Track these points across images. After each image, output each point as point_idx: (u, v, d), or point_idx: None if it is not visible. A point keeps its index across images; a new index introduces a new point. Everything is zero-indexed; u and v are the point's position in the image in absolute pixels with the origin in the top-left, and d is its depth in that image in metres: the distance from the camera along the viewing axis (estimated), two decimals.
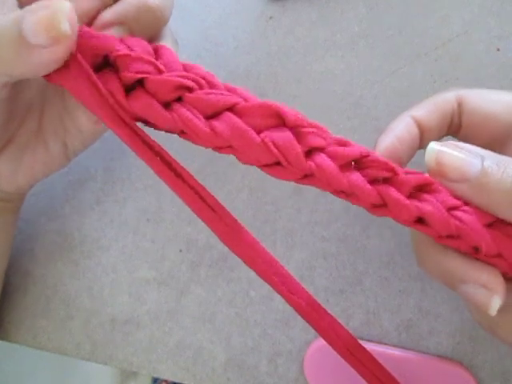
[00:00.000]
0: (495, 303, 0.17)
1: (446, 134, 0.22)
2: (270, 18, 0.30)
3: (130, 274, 0.29)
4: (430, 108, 0.21)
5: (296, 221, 0.28)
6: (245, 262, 0.19)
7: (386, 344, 0.27)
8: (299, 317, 0.24)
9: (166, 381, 0.40)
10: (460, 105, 0.21)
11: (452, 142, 0.18)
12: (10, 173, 0.24)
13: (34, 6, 0.17)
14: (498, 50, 0.27)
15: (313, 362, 0.26)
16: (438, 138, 0.21)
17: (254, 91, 0.29)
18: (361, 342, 0.23)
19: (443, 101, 0.21)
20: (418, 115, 0.21)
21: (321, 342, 0.26)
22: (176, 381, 0.28)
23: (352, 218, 0.28)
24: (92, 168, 0.31)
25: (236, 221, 0.19)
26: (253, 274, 0.28)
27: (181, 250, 0.29)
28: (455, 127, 0.21)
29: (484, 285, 0.17)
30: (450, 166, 0.17)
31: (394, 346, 0.27)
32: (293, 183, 0.28)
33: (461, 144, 0.18)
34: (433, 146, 0.18)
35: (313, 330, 0.27)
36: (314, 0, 0.30)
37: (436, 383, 0.25)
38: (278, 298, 0.28)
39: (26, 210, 0.30)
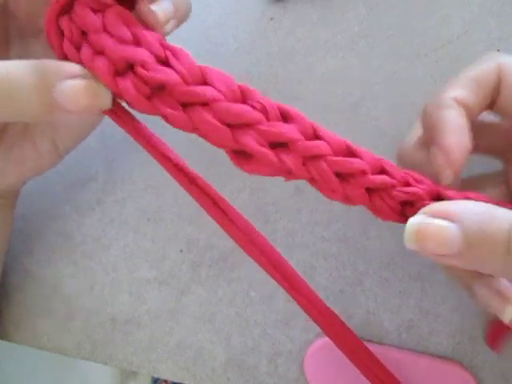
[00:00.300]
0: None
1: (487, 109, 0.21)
2: (271, 18, 0.30)
3: (130, 273, 0.29)
4: (472, 87, 0.19)
5: (296, 221, 0.28)
6: (259, 264, 0.19)
7: (386, 344, 0.27)
8: (299, 317, 0.25)
9: (165, 381, 0.40)
10: (500, 79, 0.19)
11: (428, 208, 0.17)
12: (1, 169, 0.24)
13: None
14: (498, 50, 0.27)
15: (313, 362, 0.26)
16: (480, 114, 0.20)
17: None
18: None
19: (485, 76, 0.19)
20: (462, 97, 0.19)
21: (321, 342, 0.26)
22: (176, 381, 0.28)
23: (352, 218, 0.28)
24: (92, 168, 0.31)
25: (248, 224, 0.19)
26: (253, 274, 0.28)
27: (181, 250, 0.29)
28: (493, 101, 0.20)
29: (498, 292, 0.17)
30: (431, 246, 0.16)
31: (395, 346, 0.27)
32: (293, 183, 0.28)
33: (435, 208, 0.16)
34: (411, 225, 0.17)
35: (313, 330, 0.27)
36: (314, 1, 0.30)
37: (436, 383, 0.25)
38: (278, 298, 0.28)
39: (26, 210, 0.30)
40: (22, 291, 0.30)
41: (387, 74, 0.28)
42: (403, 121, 0.27)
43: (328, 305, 0.27)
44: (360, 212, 0.27)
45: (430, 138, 0.20)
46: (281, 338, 0.28)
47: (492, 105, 0.20)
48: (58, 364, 0.36)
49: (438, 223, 0.16)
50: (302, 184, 0.28)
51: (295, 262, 0.28)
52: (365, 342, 0.25)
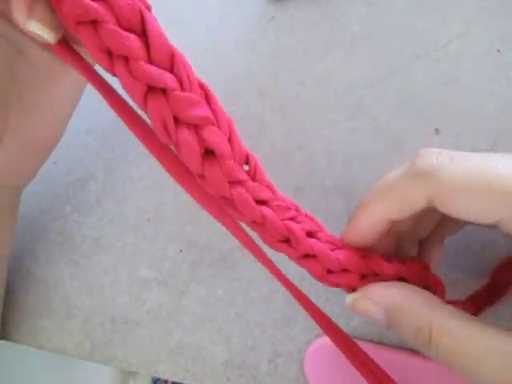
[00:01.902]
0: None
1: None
2: (272, 18, 0.30)
3: (130, 273, 0.29)
4: (399, 207, 0.19)
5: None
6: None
7: (386, 344, 0.27)
8: (299, 317, 0.25)
9: (166, 381, 0.40)
10: (432, 203, 0.18)
11: (365, 292, 0.20)
12: (13, 161, 0.24)
13: None
14: (498, 50, 0.27)
15: (313, 362, 0.26)
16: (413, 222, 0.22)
17: (254, 91, 0.30)
18: (361, 342, 0.23)
19: (413, 201, 0.18)
20: (386, 215, 0.19)
21: (321, 342, 0.26)
22: (176, 381, 0.28)
23: None
24: (92, 168, 0.31)
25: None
26: (253, 274, 0.28)
27: (181, 250, 0.29)
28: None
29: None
30: (365, 315, 0.20)
31: (394, 346, 0.26)
32: (294, 183, 0.28)
33: (369, 291, 0.20)
34: (350, 297, 0.20)
35: (313, 330, 0.27)
36: (315, 0, 0.30)
37: (437, 383, 0.25)
38: (278, 298, 0.28)
39: (26, 210, 0.30)
40: (22, 291, 0.31)
41: (387, 73, 0.28)
42: (403, 121, 0.27)
43: (328, 305, 0.27)
44: None
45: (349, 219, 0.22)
46: (281, 338, 0.27)
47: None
48: (58, 364, 0.36)
49: (367, 303, 0.20)
50: (302, 184, 0.28)
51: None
52: (364, 342, 0.25)
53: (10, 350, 0.34)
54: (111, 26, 0.16)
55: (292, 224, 0.19)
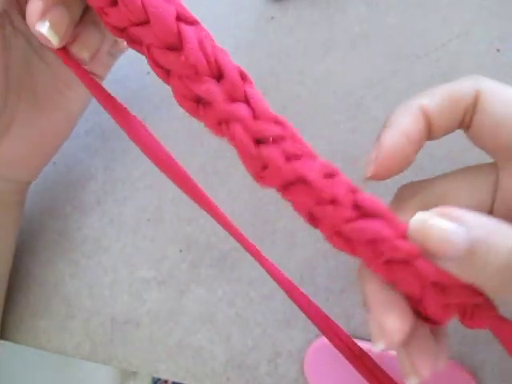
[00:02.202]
0: (379, 346, 0.17)
1: (456, 129, 0.19)
2: (272, 18, 0.30)
3: (130, 273, 0.29)
4: (444, 101, 0.18)
5: (296, 221, 0.28)
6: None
7: None
8: (299, 317, 0.25)
9: (166, 381, 0.40)
10: (475, 101, 0.18)
11: (439, 209, 0.16)
12: (21, 152, 0.25)
13: None
14: (498, 50, 0.27)
15: (313, 362, 0.26)
16: (448, 133, 0.19)
17: None
18: (361, 342, 0.23)
19: (459, 94, 0.18)
20: (429, 108, 0.18)
21: (321, 341, 0.26)
22: (176, 381, 0.28)
23: None
24: (92, 168, 0.31)
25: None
26: (253, 274, 0.28)
27: (181, 250, 0.29)
28: (467, 123, 0.19)
29: (382, 327, 0.16)
30: (434, 242, 0.15)
31: None
32: None
33: (447, 210, 0.15)
34: (418, 218, 0.16)
35: (313, 330, 0.27)
36: (315, 1, 0.30)
37: (436, 383, 0.25)
38: (278, 298, 0.28)
39: (26, 210, 0.30)
40: (22, 291, 0.31)
41: (387, 73, 0.28)
42: None
43: (328, 305, 0.27)
44: None
45: (377, 137, 0.19)
46: (281, 338, 0.27)
47: (467, 126, 0.19)
48: (58, 364, 0.37)
49: (445, 223, 0.15)
50: None
51: (295, 261, 0.28)
52: (365, 342, 0.25)
53: (10, 350, 0.34)
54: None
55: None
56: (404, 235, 0.16)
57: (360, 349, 0.19)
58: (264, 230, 0.28)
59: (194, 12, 0.25)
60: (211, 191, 0.29)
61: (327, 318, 0.20)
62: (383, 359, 0.20)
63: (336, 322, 0.20)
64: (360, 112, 0.28)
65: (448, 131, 0.19)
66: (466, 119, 0.19)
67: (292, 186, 0.17)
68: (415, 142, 0.18)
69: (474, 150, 0.19)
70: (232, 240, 0.20)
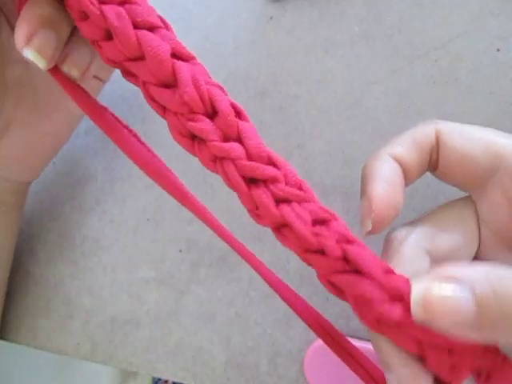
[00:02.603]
0: None
1: (426, 170, 0.20)
2: (271, 18, 0.30)
3: (129, 274, 0.29)
4: (409, 145, 0.19)
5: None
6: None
7: None
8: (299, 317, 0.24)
9: (166, 381, 0.40)
10: (438, 141, 0.19)
11: (436, 273, 0.15)
12: (20, 153, 0.25)
13: None
14: (498, 50, 0.27)
15: (313, 362, 0.26)
16: (420, 176, 0.20)
17: (254, 91, 0.30)
18: (361, 342, 0.23)
19: (422, 136, 0.19)
20: (398, 153, 0.19)
21: (321, 341, 0.26)
22: (176, 381, 0.28)
23: (352, 218, 0.28)
24: (92, 168, 0.31)
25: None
26: (253, 273, 0.28)
27: (181, 250, 0.29)
28: (434, 163, 0.19)
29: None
30: (441, 317, 0.14)
31: None
32: None
33: (444, 273, 0.15)
34: (418, 292, 0.15)
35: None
36: (314, 0, 0.30)
37: None
38: (278, 298, 0.28)
39: (26, 210, 0.30)
40: (22, 291, 0.31)
41: (387, 73, 0.28)
42: (403, 121, 0.27)
43: (328, 305, 0.27)
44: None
45: (361, 191, 0.19)
46: (281, 338, 0.27)
47: (434, 167, 0.20)
48: (58, 364, 0.36)
49: (447, 289, 0.14)
50: None
51: (295, 262, 0.28)
52: (365, 342, 0.25)
53: (10, 350, 0.34)
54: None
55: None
56: (395, 296, 0.15)
57: (354, 347, 0.19)
58: (264, 231, 0.28)
59: (194, 13, 0.25)
60: (211, 191, 0.29)
61: (319, 315, 0.20)
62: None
63: (329, 321, 0.20)
64: (360, 112, 0.28)
65: (420, 174, 0.20)
66: (433, 159, 0.19)
67: (282, 229, 0.17)
68: (400, 188, 0.18)
69: None
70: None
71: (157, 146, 0.30)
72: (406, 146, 0.19)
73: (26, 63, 0.24)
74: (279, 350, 0.27)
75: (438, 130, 0.19)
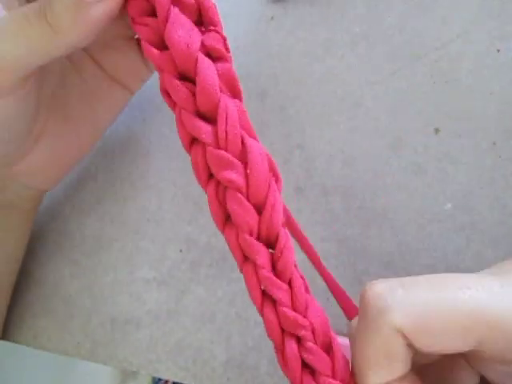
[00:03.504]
0: None
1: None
2: (271, 18, 0.30)
3: (130, 273, 0.29)
4: (383, 363, 0.15)
5: (296, 221, 0.28)
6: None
7: None
8: None
9: (166, 381, 0.40)
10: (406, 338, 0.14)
11: None
12: (46, 163, 0.25)
13: None
14: (498, 50, 0.27)
15: None
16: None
17: (254, 92, 0.30)
18: None
19: (389, 347, 0.14)
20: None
21: None
22: (176, 381, 0.28)
23: (352, 218, 0.28)
24: (92, 167, 0.31)
25: None
26: None
27: (181, 250, 0.29)
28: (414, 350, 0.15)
29: None
30: None
31: None
32: (294, 183, 0.28)
33: None
34: None
35: None
36: (314, 1, 0.30)
37: None
38: None
39: None
40: (22, 291, 0.31)
41: (387, 73, 0.28)
42: (403, 121, 0.27)
43: (328, 305, 0.27)
44: (360, 212, 0.27)
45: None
46: None
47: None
48: (58, 364, 0.36)
49: None
50: (302, 184, 0.28)
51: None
52: None
53: (10, 350, 0.34)
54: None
55: None
56: None
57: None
58: None
59: None
60: None
61: None
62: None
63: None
64: (360, 112, 0.28)
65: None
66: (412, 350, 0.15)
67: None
68: None
69: None
70: None
71: (157, 146, 0.30)
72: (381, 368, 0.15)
73: (63, 76, 0.24)
74: None
75: (399, 329, 0.14)
